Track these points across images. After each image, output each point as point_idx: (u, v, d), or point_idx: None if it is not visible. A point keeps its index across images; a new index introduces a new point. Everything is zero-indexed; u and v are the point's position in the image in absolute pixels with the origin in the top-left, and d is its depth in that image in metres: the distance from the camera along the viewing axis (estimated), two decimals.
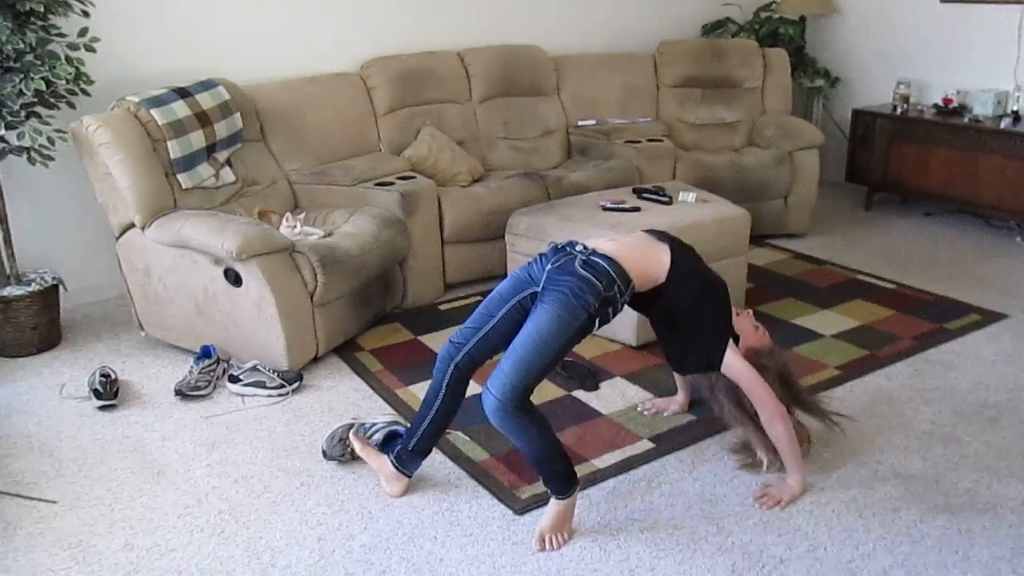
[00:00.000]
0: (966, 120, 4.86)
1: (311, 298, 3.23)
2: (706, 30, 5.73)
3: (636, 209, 3.61)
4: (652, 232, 2.59)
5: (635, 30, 5.46)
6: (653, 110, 5.11)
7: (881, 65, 5.56)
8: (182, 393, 3.13)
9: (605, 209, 3.63)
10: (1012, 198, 4.62)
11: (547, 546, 2.31)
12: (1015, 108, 4.81)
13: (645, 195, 3.79)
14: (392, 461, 2.53)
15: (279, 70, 4.23)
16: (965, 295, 3.94)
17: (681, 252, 2.48)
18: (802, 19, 5.72)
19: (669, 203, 3.70)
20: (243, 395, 3.15)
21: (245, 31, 4.15)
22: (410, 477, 2.55)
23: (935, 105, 5.13)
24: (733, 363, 2.46)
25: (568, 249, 2.38)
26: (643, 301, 2.47)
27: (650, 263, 2.41)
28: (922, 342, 3.47)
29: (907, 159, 5.12)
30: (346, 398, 3.14)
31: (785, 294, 4.01)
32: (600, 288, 2.25)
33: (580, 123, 4.92)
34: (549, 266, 2.33)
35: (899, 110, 5.19)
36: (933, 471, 2.61)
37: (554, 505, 2.35)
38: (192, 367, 3.22)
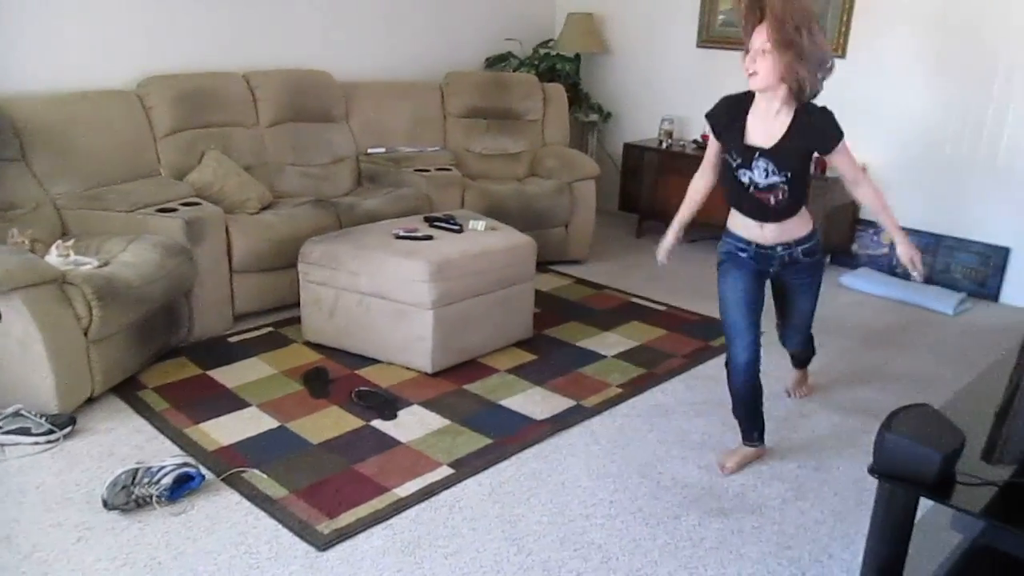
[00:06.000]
0: None
1: (85, 334, 2.99)
2: (490, 63, 5.94)
3: (429, 237, 3.67)
4: None
5: (421, 60, 5.55)
6: (441, 139, 5.22)
7: (648, 102, 6.02)
8: None
9: (398, 237, 3.67)
10: None
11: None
12: None
13: (436, 223, 3.86)
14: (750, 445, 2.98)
15: (39, 83, 3.86)
16: None
17: None
18: (577, 56, 6.09)
19: (460, 231, 3.80)
20: (3, 444, 2.84)
21: None
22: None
23: (695, 141, 5.64)
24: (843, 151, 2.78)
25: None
26: None
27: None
28: (692, 359, 3.80)
29: (672, 190, 5.55)
30: (128, 441, 2.92)
31: (569, 318, 4.24)
32: None
33: (371, 151, 4.93)
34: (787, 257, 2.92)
35: (664, 145, 5.66)
36: (707, 478, 2.87)
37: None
38: None
